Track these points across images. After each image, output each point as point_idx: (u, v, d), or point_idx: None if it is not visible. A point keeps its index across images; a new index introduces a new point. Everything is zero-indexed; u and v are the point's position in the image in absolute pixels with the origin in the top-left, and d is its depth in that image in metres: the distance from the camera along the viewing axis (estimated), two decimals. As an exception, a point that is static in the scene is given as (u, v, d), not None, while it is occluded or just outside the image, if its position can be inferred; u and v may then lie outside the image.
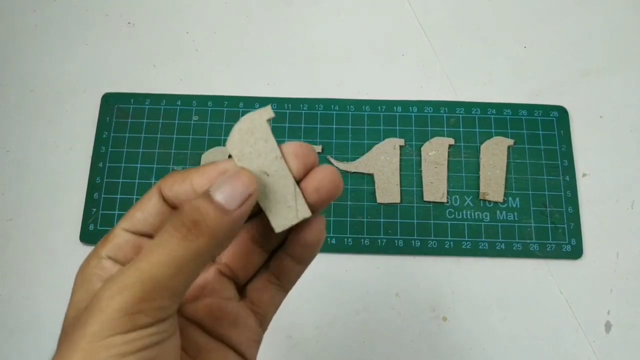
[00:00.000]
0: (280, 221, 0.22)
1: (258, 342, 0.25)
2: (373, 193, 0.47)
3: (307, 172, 0.22)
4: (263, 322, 0.25)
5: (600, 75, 0.51)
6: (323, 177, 0.22)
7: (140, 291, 0.18)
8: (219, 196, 0.19)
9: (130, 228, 0.22)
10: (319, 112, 0.50)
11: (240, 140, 0.22)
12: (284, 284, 0.25)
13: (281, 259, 0.24)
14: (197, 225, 0.19)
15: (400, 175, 0.47)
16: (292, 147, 0.22)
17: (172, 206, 0.22)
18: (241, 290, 0.26)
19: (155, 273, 0.18)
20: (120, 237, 0.22)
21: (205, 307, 0.24)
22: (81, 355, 0.18)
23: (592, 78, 0.51)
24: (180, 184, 0.22)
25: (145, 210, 0.22)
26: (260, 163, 0.22)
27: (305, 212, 0.22)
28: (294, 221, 0.22)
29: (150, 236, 0.23)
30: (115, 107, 0.50)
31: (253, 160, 0.22)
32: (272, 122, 0.49)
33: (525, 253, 0.45)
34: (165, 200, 0.22)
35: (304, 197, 0.22)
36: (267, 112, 0.22)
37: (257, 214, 0.24)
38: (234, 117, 0.50)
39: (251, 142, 0.22)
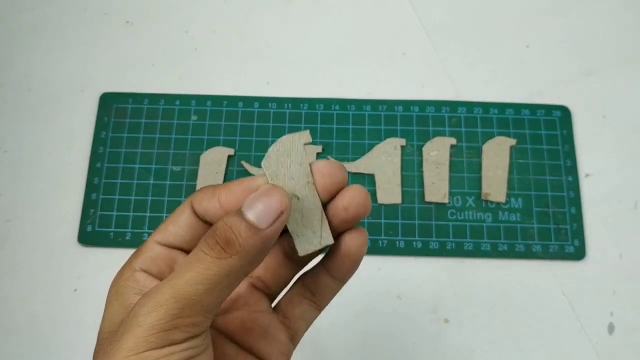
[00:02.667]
0: (305, 246, 0.23)
1: (287, 356, 0.25)
2: (374, 194, 0.47)
3: (335, 190, 0.23)
4: (294, 337, 0.25)
5: (603, 74, 0.51)
6: (353, 197, 0.23)
7: (175, 308, 0.19)
8: (251, 214, 0.20)
9: (162, 241, 0.23)
10: (319, 112, 0.49)
11: (277, 161, 0.23)
12: (319, 301, 0.25)
13: (318, 274, 0.25)
14: (230, 244, 0.20)
15: (402, 175, 0.47)
16: (321, 164, 0.23)
17: (203, 221, 0.23)
18: (274, 302, 0.26)
19: (189, 290, 0.19)
20: (152, 250, 0.23)
21: (237, 319, 0.24)
22: None
23: (595, 77, 0.51)
24: (209, 200, 0.22)
25: (177, 224, 0.23)
26: (292, 186, 0.23)
27: (328, 240, 0.23)
28: (317, 247, 0.23)
29: (182, 249, 0.23)
30: (113, 107, 0.50)
31: (286, 182, 0.23)
32: (273, 121, 0.49)
33: (528, 254, 0.45)
34: (196, 214, 0.23)
35: (332, 218, 0.23)
36: (305, 136, 0.23)
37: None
38: (233, 117, 0.49)
39: (286, 164, 0.23)
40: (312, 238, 0.23)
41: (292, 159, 0.23)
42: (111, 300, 0.22)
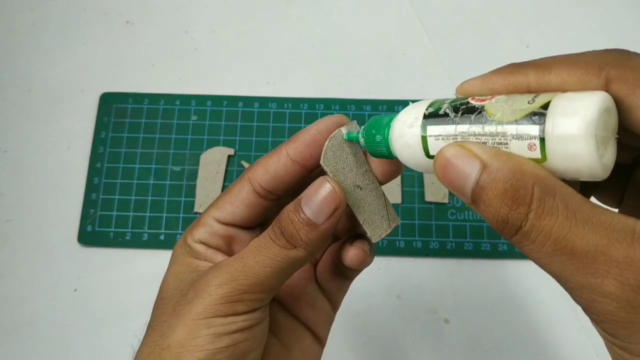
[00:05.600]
0: (377, 232, 0.24)
1: (331, 323, 0.27)
2: (374, 194, 0.47)
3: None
4: (334, 307, 0.27)
5: (603, 74, 0.51)
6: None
7: (244, 284, 0.21)
8: (308, 211, 0.21)
9: (219, 218, 0.24)
10: (319, 111, 0.49)
11: (334, 156, 0.23)
12: (348, 273, 0.27)
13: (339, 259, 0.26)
14: (293, 237, 0.21)
15: (402, 175, 0.47)
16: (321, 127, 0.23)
17: (263, 197, 0.24)
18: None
19: (258, 271, 0.21)
20: (210, 225, 0.24)
21: (287, 287, 0.26)
22: (184, 329, 0.21)
23: (594, 77, 0.51)
24: (273, 165, 0.24)
25: (234, 203, 0.24)
26: (353, 177, 0.23)
27: (396, 221, 0.24)
28: (388, 230, 0.24)
29: (237, 226, 0.25)
30: (113, 107, 0.50)
31: (347, 174, 0.23)
32: (273, 121, 0.49)
33: (528, 254, 0.45)
34: (256, 191, 0.24)
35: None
36: (354, 126, 0.23)
37: None
38: (233, 117, 0.49)
39: (343, 157, 0.23)
40: (381, 222, 0.24)
41: (346, 151, 0.23)
42: (176, 261, 0.24)
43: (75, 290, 0.45)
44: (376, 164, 0.23)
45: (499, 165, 0.16)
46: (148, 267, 0.45)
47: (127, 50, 0.52)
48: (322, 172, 0.23)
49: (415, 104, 0.20)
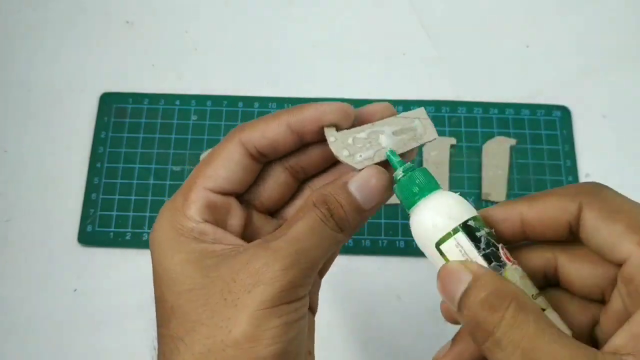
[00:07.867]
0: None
1: (318, 289, 0.27)
2: (374, 194, 0.47)
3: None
4: (322, 272, 0.27)
5: (603, 74, 0.51)
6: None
7: (306, 268, 0.21)
8: (358, 196, 0.22)
9: (215, 188, 0.23)
10: (319, 111, 0.49)
11: (343, 143, 0.24)
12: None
13: None
14: (342, 221, 0.22)
15: (402, 175, 0.47)
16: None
17: (255, 158, 0.23)
18: None
19: (314, 254, 0.21)
20: (206, 198, 0.23)
21: None
22: (251, 320, 0.19)
23: (594, 77, 0.51)
24: (268, 131, 0.23)
25: (229, 167, 0.23)
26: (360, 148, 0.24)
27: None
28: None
29: (234, 194, 0.24)
30: (113, 107, 0.50)
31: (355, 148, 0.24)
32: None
33: (528, 254, 0.45)
34: (250, 153, 0.23)
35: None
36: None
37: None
38: (233, 117, 0.49)
39: (356, 145, 0.24)
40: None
41: (359, 138, 0.24)
42: (179, 249, 0.22)
43: (75, 290, 0.45)
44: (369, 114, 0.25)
45: (487, 279, 0.20)
46: (148, 267, 0.44)
47: (127, 50, 0.52)
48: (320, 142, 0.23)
49: (463, 199, 0.23)
